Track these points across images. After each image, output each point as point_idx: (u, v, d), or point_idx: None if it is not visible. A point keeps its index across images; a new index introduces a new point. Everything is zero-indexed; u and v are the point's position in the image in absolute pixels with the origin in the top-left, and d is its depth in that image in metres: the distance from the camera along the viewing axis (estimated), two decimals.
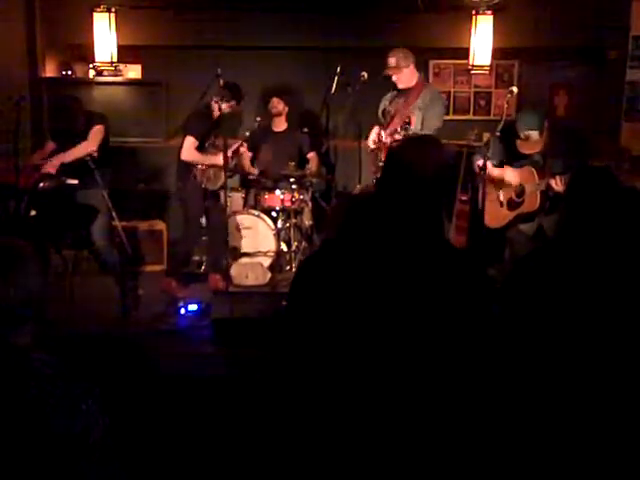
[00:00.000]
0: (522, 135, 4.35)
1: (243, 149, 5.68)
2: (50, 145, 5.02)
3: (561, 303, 2.10)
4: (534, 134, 4.33)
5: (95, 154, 4.57)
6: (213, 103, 5.19)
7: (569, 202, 2.32)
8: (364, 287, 1.74)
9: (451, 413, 1.71)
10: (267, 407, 1.94)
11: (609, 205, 2.23)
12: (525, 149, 4.41)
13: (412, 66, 4.91)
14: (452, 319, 1.72)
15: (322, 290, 1.79)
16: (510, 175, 4.52)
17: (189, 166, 5.26)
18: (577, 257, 2.16)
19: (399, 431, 1.69)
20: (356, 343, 1.72)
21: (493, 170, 4.58)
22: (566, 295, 2.10)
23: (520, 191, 4.49)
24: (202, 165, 5.25)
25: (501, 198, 4.64)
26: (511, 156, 4.54)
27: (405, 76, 4.91)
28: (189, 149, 5.21)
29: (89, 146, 4.57)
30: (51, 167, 4.67)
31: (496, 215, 4.66)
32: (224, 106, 5.18)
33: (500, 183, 4.62)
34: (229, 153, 5.39)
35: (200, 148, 5.27)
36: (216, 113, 5.23)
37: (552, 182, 4.26)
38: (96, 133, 4.74)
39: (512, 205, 4.57)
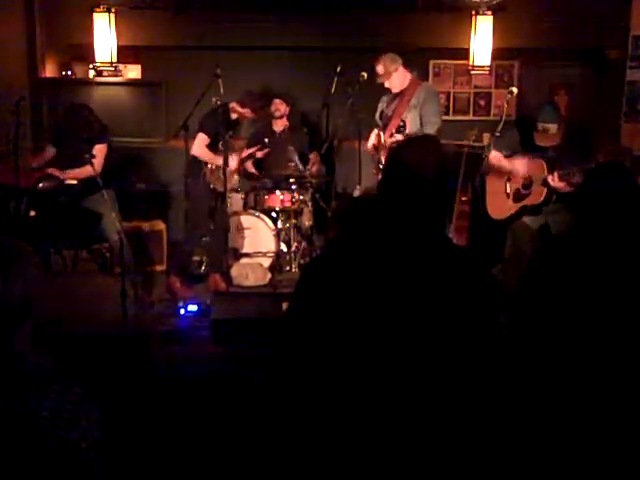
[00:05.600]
0: (540, 127, 4.36)
1: (260, 154, 5.75)
2: (50, 150, 5.03)
3: (582, 303, 2.10)
4: (553, 127, 4.33)
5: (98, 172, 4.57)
6: (231, 107, 5.27)
7: (585, 198, 2.32)
8: (369, 288, 1.73)
9: (456, 414, 1.70)
10: (269, 407, 1.93)
11: (627, 202, 2.23)
12: (542, 141, 4.41)
13: (400, 68, 4.95)
14: (458, 320, 1.72)
15: (327, 291, 1.78)
16: (519, 164, 4.52)
17: (200, 165, 5.29)
18: (595, 256, 2.16)
19: (402, 433, 1.68)
20: (362, 344, 1.71)
21: (502, 161, 4.58)
22: (585, 295, 2.10)
23: (528, 183, 4.49)
24: (212, 165, 5.28)
25: (508, 190, 4.63)
26: (526, 149, 4.54)
27: (396, 80, 4.96)
28: (199, 145, 5.26)
29: (94, 170, 4.50)
30: (55, 172, 4.73)
31: (500, 206, 4.65)
32: (240, 110, 5.28)
33: (509, 174, 4.61)
34: (242, 156, 5.49)
35: (214, 148, 5.30)
36: (234, 116, 5.31)
37: (549, 178, 4.27)
38: (100, 153, 4.78)
39: (518, 197, 4.57)
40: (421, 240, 1.78)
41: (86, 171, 4.59)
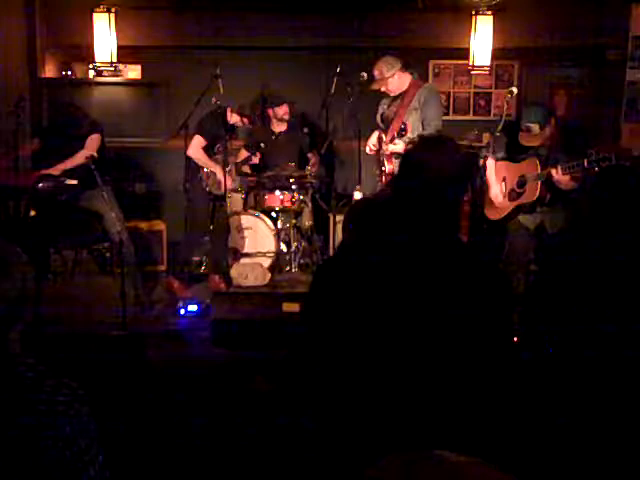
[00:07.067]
0: (523, 127, 4.36)
1: (255, 159, 5.76)
2: (35, 141, 5.03)
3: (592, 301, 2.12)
4: (535, 127, 4.31)
5: (95, 156, 4.57)
6: (228, 111, 5.29)
7: (596, 198, 2.33)
8: (383, 289, 1.73)
9: (469, 413, 1.70)
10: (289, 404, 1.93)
11: (630, 202, 2.24)
12: (525, 141, 4.40)
13: (398, 73, 4.89)
14: (476, 321, 1.71)
15: (342, 292, 1.78)
16: (495, 192, 4.56)
17: (197, 168, 5.30)
18: (603, 255, 2.18)
19: (417, 427, 1.68)
20: (377, 344, 1.71)
21: (491, 175, 4.60)
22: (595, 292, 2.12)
23: (522, 182, 4.49)
24: (208, 169, 5.29)
25: (503, 189, 4.63)
26: (515, 150, 4.54)
27: (393, 84, 4.93)
28: (196, 147, 5.29)
29: (87, 153, 4.52)
30: (54, 171, 4.72)
31: (496, 206, 4.66)
32: (235, 116, 5.31)
33: (504, 174, 4.62)
34: (237, 160, 5.50)
35: (210, 151, 5.31)
36: (230, 119, 5.33)
37: (553, 171, 4.24)
38: (93, 140, 4.79)
39: (512, 196, 4.57)
40: (434, 241, 1.77)
41: (79, 158, 4.59)
